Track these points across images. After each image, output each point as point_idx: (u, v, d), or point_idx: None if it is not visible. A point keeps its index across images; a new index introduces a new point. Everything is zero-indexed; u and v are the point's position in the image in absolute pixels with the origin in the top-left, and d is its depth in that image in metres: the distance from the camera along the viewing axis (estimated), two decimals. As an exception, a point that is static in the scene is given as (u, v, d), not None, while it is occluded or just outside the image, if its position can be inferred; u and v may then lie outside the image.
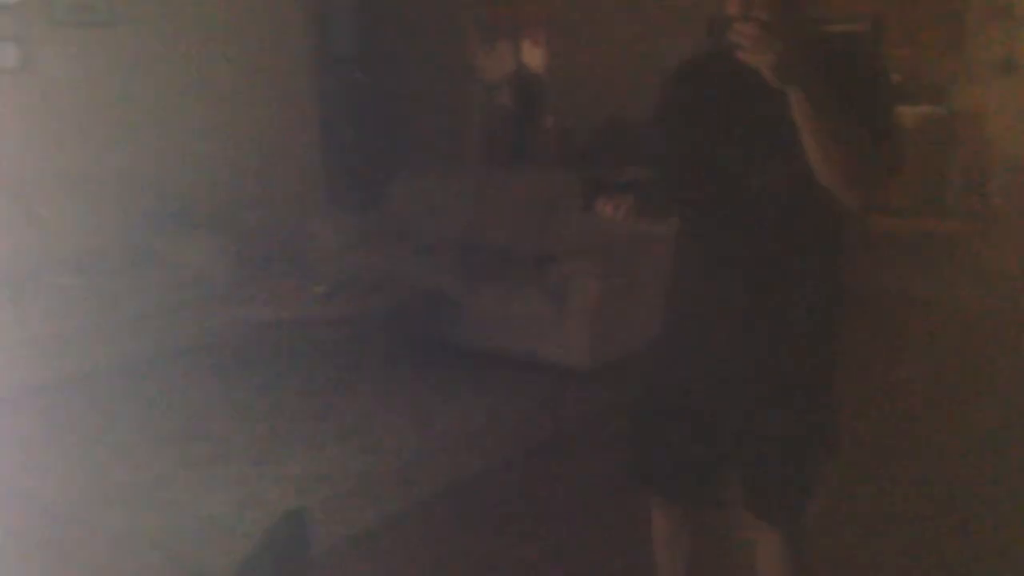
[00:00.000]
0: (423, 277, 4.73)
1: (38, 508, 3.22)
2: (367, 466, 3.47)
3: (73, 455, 3.64)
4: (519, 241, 5.03)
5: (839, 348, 1.84)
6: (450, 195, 5.55)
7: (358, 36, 8.11)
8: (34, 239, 4.78)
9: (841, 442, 1.84)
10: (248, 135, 5.94)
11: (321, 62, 6.85)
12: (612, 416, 3.79)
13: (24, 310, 4.29)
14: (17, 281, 4.47)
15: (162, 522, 3.07)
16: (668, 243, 1.96)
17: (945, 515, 2.98)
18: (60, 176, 5.01)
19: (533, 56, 10.35)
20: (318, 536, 2.78)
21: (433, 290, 4.65)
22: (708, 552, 2.09)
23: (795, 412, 1.79)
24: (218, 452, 3.62)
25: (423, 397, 4.17)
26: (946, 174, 7.88)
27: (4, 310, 4.23)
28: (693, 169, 1.81)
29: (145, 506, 3.20)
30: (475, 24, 8.15)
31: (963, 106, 7.94)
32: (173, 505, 3.20)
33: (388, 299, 4.41)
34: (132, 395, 4.28)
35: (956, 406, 3.95)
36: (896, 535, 2.86)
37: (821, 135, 1.53)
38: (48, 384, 4.29)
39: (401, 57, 7.89)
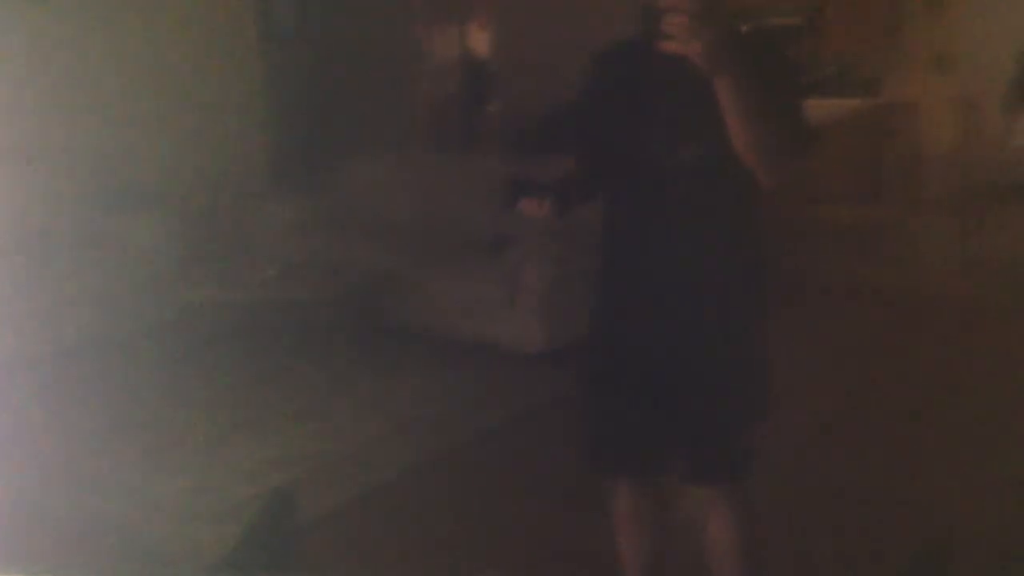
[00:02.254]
0: (375, 260, 4.74)
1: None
2: (321, 451, 3.50)
3: (19, 440, 3.58)
4: (470, 225, 5.07)
5: (765, 316, 1.97)
6: (400, 178, 5.56)
7: (302, 16, 8.02)
8: (-26, 219, 4.66)
9: (770, 406, 1.98)
10: (194, 115, 5.85)
11: (265, 42, 6.77)
12: (565, 400, 3.86)
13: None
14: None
15: (114, 507, 3.07)
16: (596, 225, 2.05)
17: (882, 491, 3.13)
18: (2, 155, 4.88)
19: (479, 41, 10.33)
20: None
21: (385, 273, 4.66)
22: (669, 528, 2.17)
23: (725, 378, 1.92)
24: (169, 437, 3.61)
25: (376, 381, 4.19)
26: (879, 164, 8.13)
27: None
28: (615, 151, 1.91)
29: (97, 491, 3.19)
30: (422, 6, 8.11)
31: (896, 99, 8.19)
32: (125, 490, 3.20)
33: (339, 282, 4.42)
34: (79, 379, 4.22)
35: (888, 388, 4.11)
36: (838, 508, 2.99)
37: (743, 118, 1.66)
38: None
39: (346, 38, 7.82)
